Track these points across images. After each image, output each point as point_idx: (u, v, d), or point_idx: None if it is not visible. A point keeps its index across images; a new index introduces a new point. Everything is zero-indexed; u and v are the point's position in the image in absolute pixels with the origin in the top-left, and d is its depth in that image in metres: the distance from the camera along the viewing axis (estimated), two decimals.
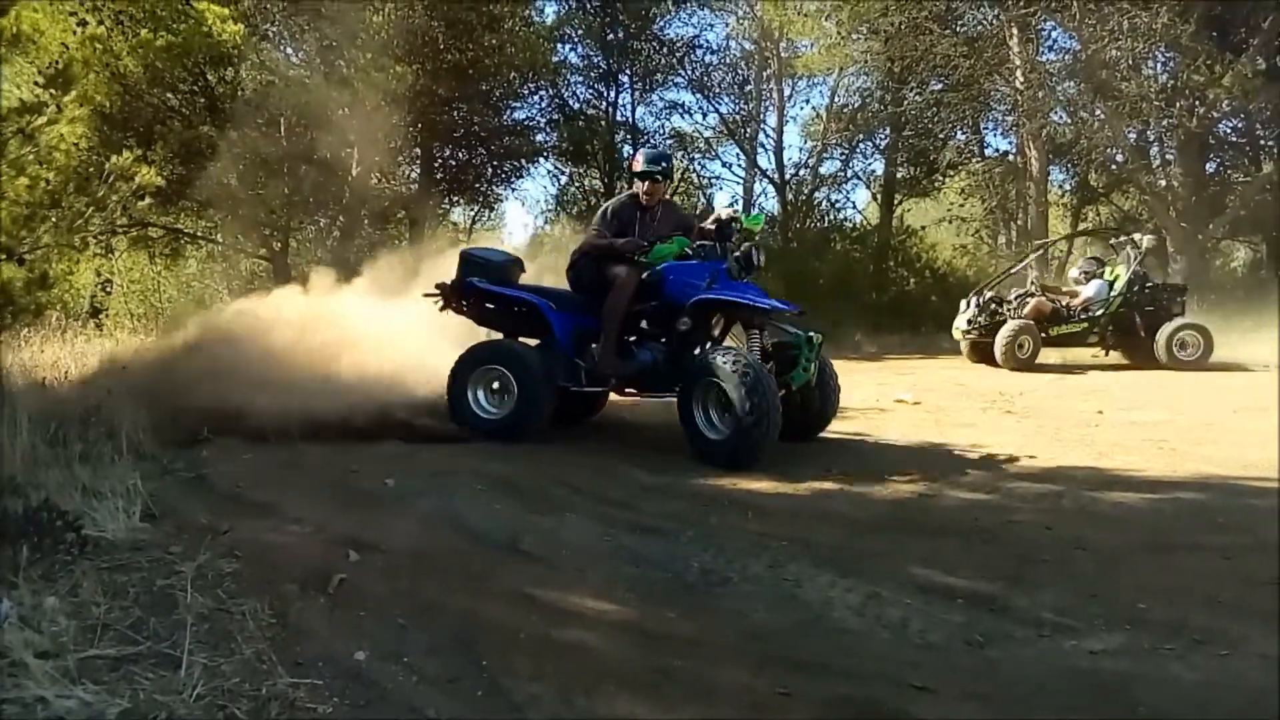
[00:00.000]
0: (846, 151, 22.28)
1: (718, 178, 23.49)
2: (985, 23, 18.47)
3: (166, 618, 2.62)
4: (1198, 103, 16.21)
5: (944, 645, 2.70)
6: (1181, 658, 2.58)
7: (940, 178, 21.35)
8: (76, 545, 2.96)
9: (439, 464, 4.89)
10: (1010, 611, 2.93)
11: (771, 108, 22.29)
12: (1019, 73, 17.87)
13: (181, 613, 2.63)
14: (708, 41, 22.87)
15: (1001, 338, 11.68)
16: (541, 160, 21.48)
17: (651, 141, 21.87)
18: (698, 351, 5.76)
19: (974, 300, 12.57)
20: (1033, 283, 12.93)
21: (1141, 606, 2.94)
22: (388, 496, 4.28)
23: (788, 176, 22.22)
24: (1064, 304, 12.30)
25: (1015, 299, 12.36)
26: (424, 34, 15.86)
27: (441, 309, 6.31)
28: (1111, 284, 12.27)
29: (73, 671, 2.23)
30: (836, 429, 6.17)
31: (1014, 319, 11.95)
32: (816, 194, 22.44)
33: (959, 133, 20.92)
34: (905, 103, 20.37)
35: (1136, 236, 12.80)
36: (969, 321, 12.43)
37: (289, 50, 16.10)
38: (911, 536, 3.82)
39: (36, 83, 9.58)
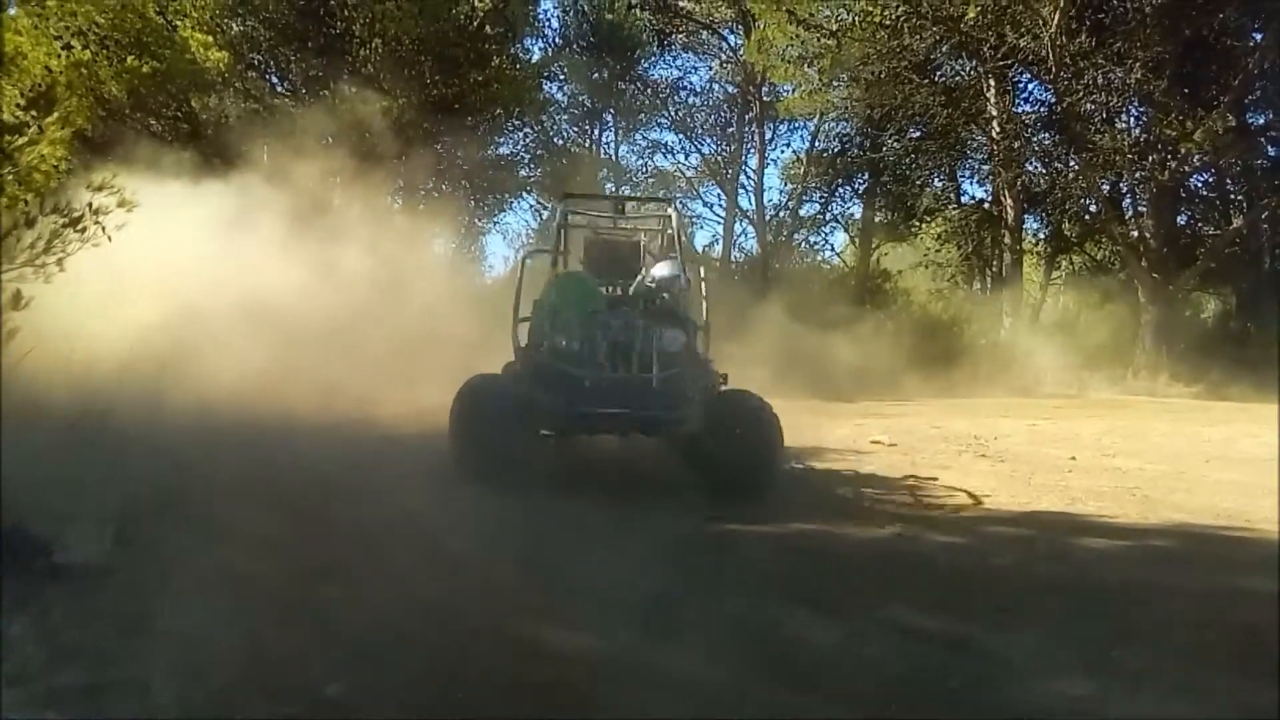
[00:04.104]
0: (826, 195, 22.65)
1: (699, 217, 23.76)
2: (963, 74, 18.85)
3: (139, 644, 2.57)
4: (1170, 156, 16.57)
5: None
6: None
7: (917, 223, 21.64)
8: (48, 570, 2.90)
9: None
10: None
11: (753, 150, 22.67)
12: (995, 123, 18.25)
13: (154, 640, 2.59)
14: (691, 84, 23.26)
15: None
16: (524, 195, 21.65)
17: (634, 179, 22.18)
18: None
19: None
20: None
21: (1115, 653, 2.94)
22: None
23: (768, 217, 22.51)
24: None
25: None
26: (411, 67, 15.96)
27: None
28: None
29: (43, 698, 2.18)
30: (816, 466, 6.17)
31: None
32: (796, 235, 22.69)
33: (936, 179, 21.30)
34: (884, 149, 20.75)
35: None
36: None
37: (274, 79, 16.18)
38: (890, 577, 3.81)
39: (18, 104, 9.59)
